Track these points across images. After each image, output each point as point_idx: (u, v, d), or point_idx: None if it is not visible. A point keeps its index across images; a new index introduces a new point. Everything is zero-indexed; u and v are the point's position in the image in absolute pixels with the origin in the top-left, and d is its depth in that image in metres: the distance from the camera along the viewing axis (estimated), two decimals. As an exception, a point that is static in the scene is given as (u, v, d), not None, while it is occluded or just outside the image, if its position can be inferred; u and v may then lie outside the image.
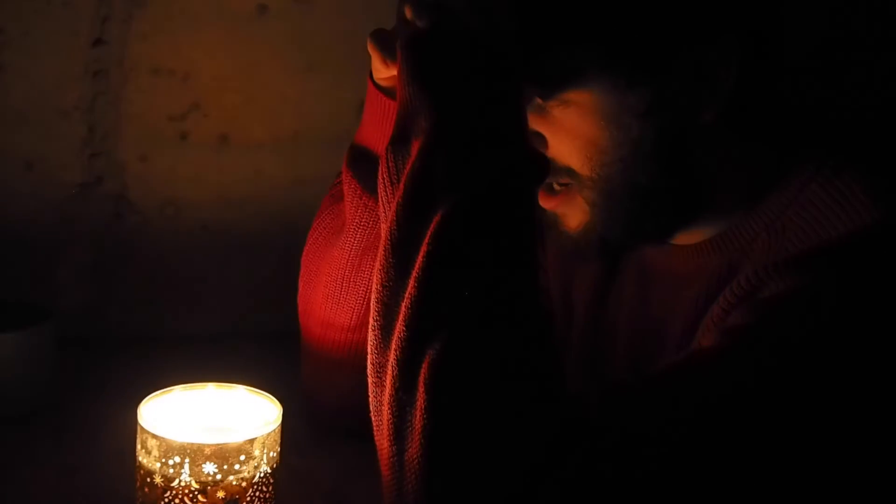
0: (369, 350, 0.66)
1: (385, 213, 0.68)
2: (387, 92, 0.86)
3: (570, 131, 0.76)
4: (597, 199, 0.77)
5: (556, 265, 0.94)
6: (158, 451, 0.74)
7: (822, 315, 0.65)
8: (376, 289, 0.65)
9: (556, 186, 0.79)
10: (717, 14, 0.73)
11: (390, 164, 0.68)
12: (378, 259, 0.66)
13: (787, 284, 0.68)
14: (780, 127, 0.78)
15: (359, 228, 0.90)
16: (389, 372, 0.63)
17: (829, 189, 0.72)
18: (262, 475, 0.76)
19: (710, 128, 0.75)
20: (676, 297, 0.81)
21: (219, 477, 0.73)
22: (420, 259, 0.63)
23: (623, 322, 0.88)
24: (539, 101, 0.77)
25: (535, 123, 0.78)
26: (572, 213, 0.79)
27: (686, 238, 0.81)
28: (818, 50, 1.21)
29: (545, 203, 0.80)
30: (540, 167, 0.69)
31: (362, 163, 0.90)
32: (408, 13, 0.72)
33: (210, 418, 0.80)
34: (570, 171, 0.77)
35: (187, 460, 0.73)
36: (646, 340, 0.84)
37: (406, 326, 0.62)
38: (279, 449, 0.78)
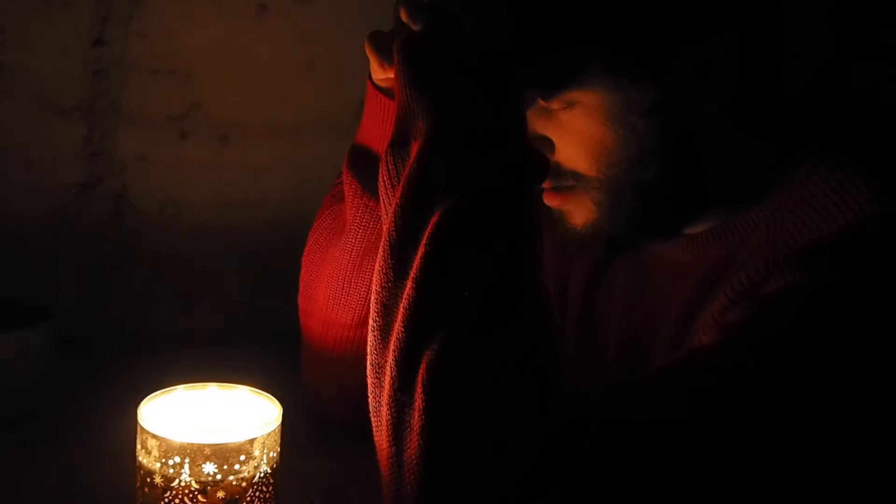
0: (369, 351, 0.66)
1: (386, 214, 0.68)
2: (386, 92, 0.86)
3: (577, 133, 0.76)
4: (604, 199, 0.77)
5: (554, 263, 0.94)
6: (158, 451, 0.74)
7: (822, 312, 0.65)
8: (376, 290, 0.65)
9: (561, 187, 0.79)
10: (719, 10, 0.73)
11: (390, 166, 0.68)
12: (378, 260, 0.66)
13: (787, 281, 0.68)
14: (783, 122, 0.78)
15: (360, 229, 0.90)
16: (388, 372, 0.63)
17: (829, 182, 0.72)
18: (262, 475, 0.76)
19: (713, 123, 0.75)
20: (672, 286, 0.81)
21: (219, 477, 0.73)
22: (418, 260, 0.63)
23: (616, 313, 0.88)
24: (544, 103, 0.77)
25: (541, 127, 0.78)
26: (578, 211, 0.79)
27: (688, 230, 0.81)
28: (819, 45, 1.21)
29: (550, 201, 0.80)
30: (539, 167, 0.69)
31: (363, 163, 0.90)
32: (403, 15, 0.72)
33: (210, 418, 0.80)
34: (575, 175, 0.77)
35: (187, 460, 0.73)
36: (638, 331, 0.84)
37: (404, 327, 0.62)
38: (279, 449, 0.78)
